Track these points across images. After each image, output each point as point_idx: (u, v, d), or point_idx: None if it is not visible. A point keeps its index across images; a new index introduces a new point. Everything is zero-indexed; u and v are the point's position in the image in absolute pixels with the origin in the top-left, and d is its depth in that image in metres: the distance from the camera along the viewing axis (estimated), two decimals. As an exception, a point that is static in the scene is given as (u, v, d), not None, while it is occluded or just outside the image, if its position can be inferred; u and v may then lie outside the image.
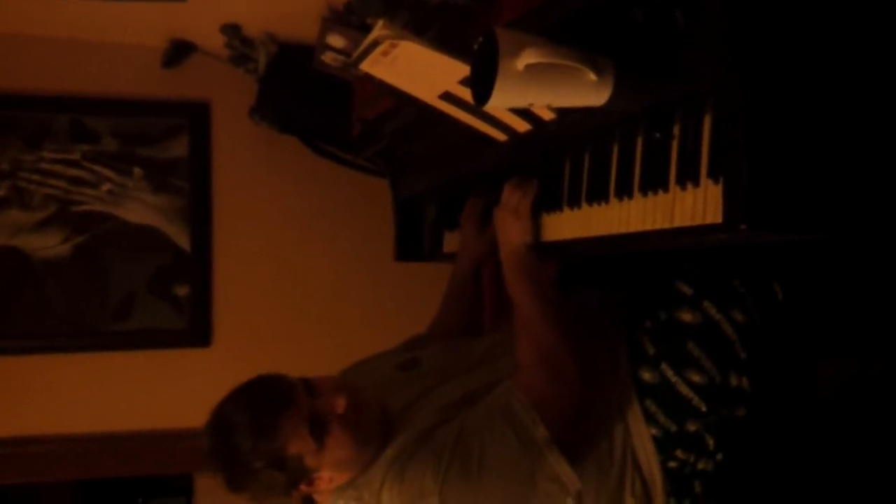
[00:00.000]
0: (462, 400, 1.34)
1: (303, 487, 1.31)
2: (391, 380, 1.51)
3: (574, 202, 1.33)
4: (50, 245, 2.55)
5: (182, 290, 2.65)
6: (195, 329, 2.65)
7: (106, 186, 2.59)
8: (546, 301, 1.34)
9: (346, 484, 1.32)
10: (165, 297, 2.63)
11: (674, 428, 1.34)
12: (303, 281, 2.77)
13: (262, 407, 1.26)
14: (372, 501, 1.29)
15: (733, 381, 1.34)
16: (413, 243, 2.17)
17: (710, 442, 1.36)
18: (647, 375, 1.36)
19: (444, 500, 1.22)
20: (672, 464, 1.36)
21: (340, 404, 1.28)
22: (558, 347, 1.29)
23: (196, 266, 2.65)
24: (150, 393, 2.63)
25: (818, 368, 1.44)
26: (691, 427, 1.34)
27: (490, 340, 1.56)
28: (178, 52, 2.56)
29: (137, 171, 2.61)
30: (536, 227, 1.41)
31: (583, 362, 1.30)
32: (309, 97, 2.39)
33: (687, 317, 1.34)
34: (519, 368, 1.30)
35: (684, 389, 1.33)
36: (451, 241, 1.98)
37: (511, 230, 1.40)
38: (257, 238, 2.73)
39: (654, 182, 1.11)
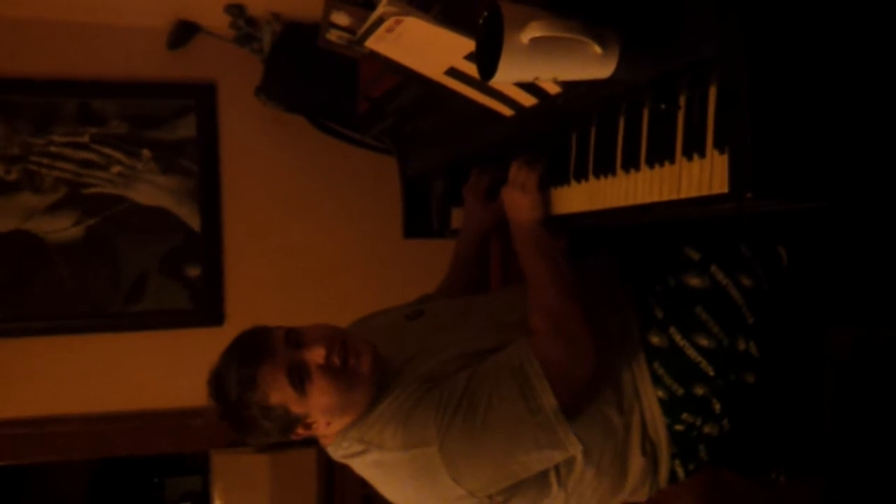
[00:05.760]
0: (471, 354, 1.36)
1: (300, 431, 1.36)
2: (397, 328, 1.55)
3: (581, 175, 1.34)
4: (62, 228, 2.58)
5: (194, 271, 2.67)
6: (207, 308, 2.68)
7: (116, 169, 2.61)
8: (560, 273, 1.35)
9: (349, 426, 1.35)
10: (177, 277, 2.66)
11: (681, 391, 1.36)
12: (313, 259, 2.79)
13: (244, 359, 1.31)
14: (374, 443, 1.32)
15: (741, 345, 1.35)
16: (422, 220, 2.18)
17: (717, 406, 1.38)
18: (655, 339, 1.38)
19: (444, 452, 1.26)
20: (678, 427, 1.37)
21: (319, 354, 1.31)
22: (575, 319, 1.31)
23: (207, 246, 2.68)
24: (165, 372, 2.66)
25: (827, 335, 1.45)
26: (698, 391, 1.36)
27: (500, 297, 1.57)
28: (183, 33, 2.56)
29: (146, 152, 2.63)
30: (545, 201, 1.42)
31: (595, 333, 1.32)
32: (314, 76, 2.39)
33: (695, 281, 1.36)
34: (535, 335, 1.31)
35: (692, 353, 1.34)
36: (459, 218, 1.98)
37: (520, 206, 1.42)
38: (267, 217, 2.75)
39: (661, 154, 1.12)
